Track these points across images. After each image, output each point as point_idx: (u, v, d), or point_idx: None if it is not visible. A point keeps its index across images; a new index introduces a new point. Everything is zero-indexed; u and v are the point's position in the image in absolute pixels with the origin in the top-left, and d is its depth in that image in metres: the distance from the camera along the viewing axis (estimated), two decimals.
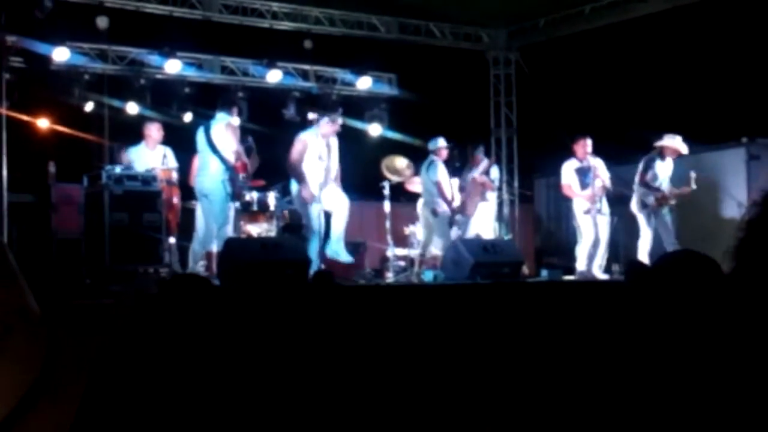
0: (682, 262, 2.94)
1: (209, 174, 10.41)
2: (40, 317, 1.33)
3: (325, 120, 11.02)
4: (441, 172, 12.24)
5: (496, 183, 13.23)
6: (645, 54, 14.50)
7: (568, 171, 12.08)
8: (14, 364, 1.28)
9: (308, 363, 4.67)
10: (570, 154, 12.12)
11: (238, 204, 10.39)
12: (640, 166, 12.03)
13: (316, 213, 10.72)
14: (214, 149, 10.46)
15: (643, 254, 11.64)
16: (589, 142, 11.98)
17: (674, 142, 11.97)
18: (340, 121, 11.32)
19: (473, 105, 15.89)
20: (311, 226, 10.74)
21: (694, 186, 11.82)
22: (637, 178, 11.99)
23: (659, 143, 12.03)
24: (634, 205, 12.00)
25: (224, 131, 10.60)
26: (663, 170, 11.98)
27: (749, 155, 13.00)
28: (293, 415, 4.26)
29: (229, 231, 10.28)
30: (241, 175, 10.47)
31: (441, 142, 12.47)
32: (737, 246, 1.31)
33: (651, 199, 11.83)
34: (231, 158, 10.40)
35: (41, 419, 1.29)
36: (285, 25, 14.01)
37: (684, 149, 11.95)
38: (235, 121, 10.97)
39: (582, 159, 11.99)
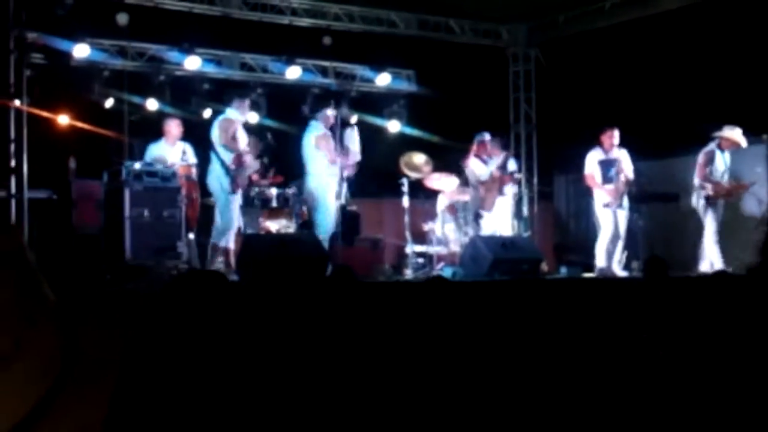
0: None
1: (210, 171, 10.62)
2: (60, 312, 1.34)
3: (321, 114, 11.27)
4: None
5: (515, 175, 13.21)
6: (664, 50, 14.42)
7: (592, 161, 12.02)
8: (37, 358, 1.29)
9: (326, 359, 4.67)
10: (595, 143, 12.05)
11: (239, 197, 10.43)
12: (700, 158, 11.90)
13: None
14: (211, 146, 10.60)
15: (711, 249, 11.52)
16: (616, 133, 11.92)
17: (733, 133, 11.83)
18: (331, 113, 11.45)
19: (492, 101, 15.84)
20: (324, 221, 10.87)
21: (754, 180, 11.78)
22: (697, 172, 11.88)
23: (718, 134, 11.91)
24: (694, 200, 11.90)
25: (218, 126, 10.70)
26: (721, 163, 11.89)
27: None
28: (311, 412, 4.27)
29: (232, 234, 10.30)
30: (245, 168, 10.51)
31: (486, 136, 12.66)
32: (764, 242, 1.30)
33: (709, 192, 11.71)
34: (222, 153, 10.38)
35: (63, 414, 1.29)
36: (304, 21, 14.02)
37: (743, 142, 11.85)
38: (233, 114, 10.99)
39: (608, 150, 11.92)
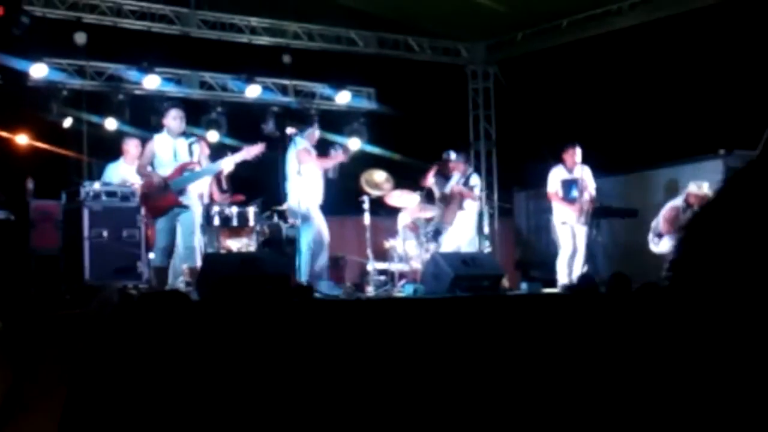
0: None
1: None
2: (8, 337, 1.34)
3: (308, 132, 11.31)
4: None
5: (477, 190, 13.25)
6: (621, 67, 14.57)
7: (554, 179, 12.05)
8: None
9: (288, 377, 4.66)
10: (557, 161, 12.11)
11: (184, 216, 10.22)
12: (665, 212, 11.86)
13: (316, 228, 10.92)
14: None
15: None
16: (578, 150, 11.95)
17: (702, 189, 11.77)
18: (317, 133, 11.56)
19: (452, 118, 15.92)
20: (309, 241, 10.88)
21: None
22: (661, 225, 11.82)
23: (686, 190, 11.83)
24: (654, 246, 11.94)
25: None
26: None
27: (726, 167, 13.04)
28: (272, 429, 4.25)
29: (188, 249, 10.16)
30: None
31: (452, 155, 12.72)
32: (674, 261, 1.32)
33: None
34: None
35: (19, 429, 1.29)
36: (264, 40, 14.03)
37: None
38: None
39: (571, 168, 11.98)
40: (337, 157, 11.51)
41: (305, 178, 11.07)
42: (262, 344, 4.92)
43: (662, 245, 11.85)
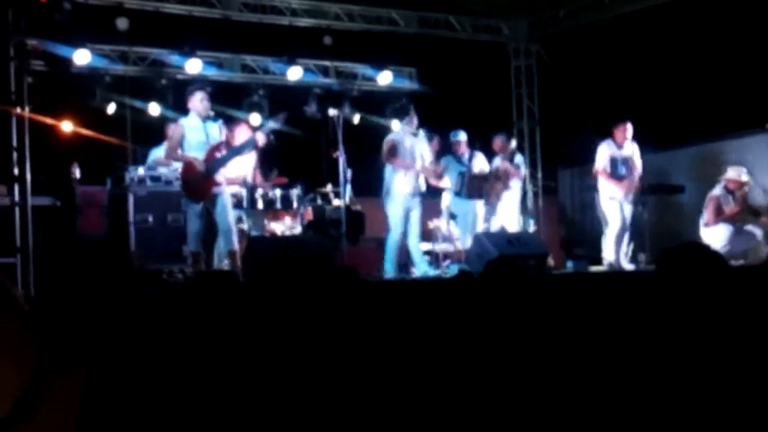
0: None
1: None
2: (34, 318, 1.33)
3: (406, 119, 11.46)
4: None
5: (522, 170, 13.15)
6: (665, 41, 14.38)
7: (603, 156, 11.77)
8: (9, 360, 1.28)
9: (332, 360, 4.65)
10: (607, 136, 11.86)
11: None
12: (708, 203, 11.86)
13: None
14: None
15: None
16: (629, 127, 11.65)
17: (739, 174, 11.76)
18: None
19: (495, 97, 15.82)
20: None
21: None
22: (705, 217, 11.83)
23: (724, 176, 11.93)
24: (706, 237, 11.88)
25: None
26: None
27: None
28: (315, 413, 4.24)
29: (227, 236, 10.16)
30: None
31: (461, 136, 12.58)
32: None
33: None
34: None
35: (41, 420, 1.28)
36: (304, 21, 14.01)
37: (751, 181, 11.88)
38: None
39: (620, 144, 11.71)
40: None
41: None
42: (306, 327, 4.92)
43: (708, 235, 11.72)
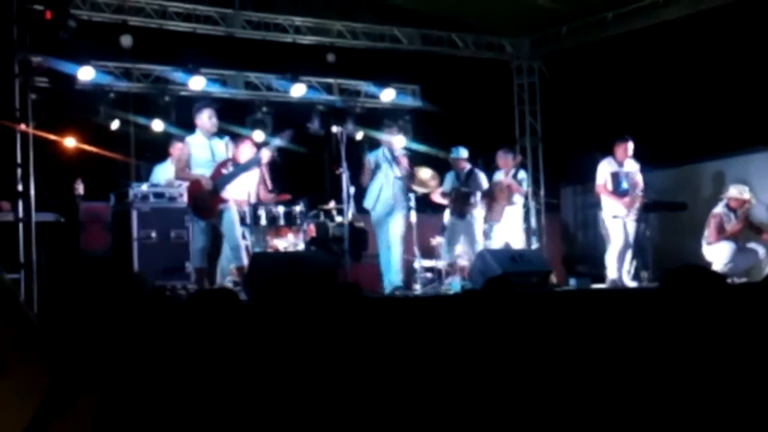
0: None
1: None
2: (44, 334, 1.34)
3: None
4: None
5: (525, 185, 13.17)
6: (666, 60, 14.41)
7: (603, 172, 11.74)
8: (23, 377, 1.29)
9: (335, 375, 4.65)
10: (607, 153, 11.84)
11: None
12: (710, 222, 11.91)
13: None
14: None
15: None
16: (630, 145, 11.63)
17: (741, 192, 11.84)
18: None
19: (497, 114, 15.84)
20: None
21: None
22: (708, 235, 11.88)
23: (725, 195, 12.04)
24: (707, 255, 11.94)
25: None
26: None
27: None
28: (319, 428, 4.25)
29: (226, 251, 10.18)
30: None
31: (462, 153, 12.62)
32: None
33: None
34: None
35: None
36: (308, 39, 14.05)
37: (753, 199, 11.98)
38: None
39: (621, 161, 11.71)
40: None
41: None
42: (310, 343, 4.92)
43: (711, 253, 11.76)
